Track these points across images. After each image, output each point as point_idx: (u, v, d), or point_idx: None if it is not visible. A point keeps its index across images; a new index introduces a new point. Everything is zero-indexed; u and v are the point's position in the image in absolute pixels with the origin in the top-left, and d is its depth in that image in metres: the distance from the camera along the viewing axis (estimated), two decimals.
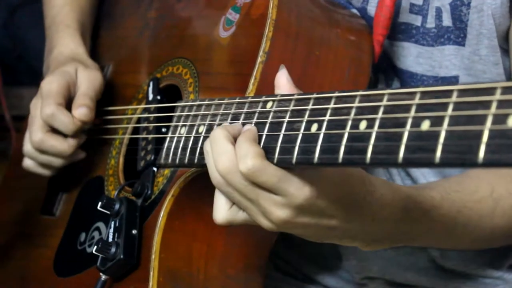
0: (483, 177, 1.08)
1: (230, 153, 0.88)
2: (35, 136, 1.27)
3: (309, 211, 0.88)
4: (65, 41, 1.41)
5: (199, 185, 1.08)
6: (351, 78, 1.11)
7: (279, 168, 0.86)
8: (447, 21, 1.14)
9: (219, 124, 0.99)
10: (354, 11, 1.20)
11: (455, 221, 1.02)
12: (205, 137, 1.00)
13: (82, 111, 1.26)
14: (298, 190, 0.86)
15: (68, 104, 1.28)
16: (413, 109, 0.73)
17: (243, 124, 0.95)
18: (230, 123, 0.98)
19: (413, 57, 1.18)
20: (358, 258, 1.28)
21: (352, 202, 0.89)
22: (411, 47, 1.18)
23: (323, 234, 0.94)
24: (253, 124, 0.93)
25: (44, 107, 1.25)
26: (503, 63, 1.14)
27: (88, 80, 1.31)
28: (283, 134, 0.88)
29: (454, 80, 1.16)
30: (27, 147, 1.30)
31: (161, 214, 1.09)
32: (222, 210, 0.93)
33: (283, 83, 0.93)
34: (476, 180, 1.08)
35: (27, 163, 1.34)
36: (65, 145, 1.27)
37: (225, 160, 0.88)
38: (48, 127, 1.27)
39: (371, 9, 1.19)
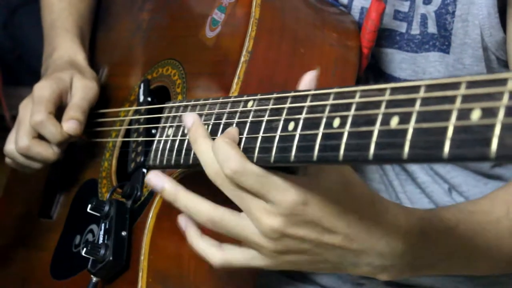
0: (498, 197, 1.04)
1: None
2: (21, 142, 1.27)
3: (301, 221, 0.84)
4: (65, 45, 1.41)
5: (188, 186, 1.07)
6: (338, 76, 1.10)
7: (263, 169, 0.84)
8: (432, 28, 1.12)
9: (204, 125, 0.99)
10: (342, 9, 1.20)
11: (473, 243, 0.98)
12: None
13: (71, 125, 1.26)
14: (283, 193, 0.83)
15: (59, 111, 1.28)
16: (383, 105, 0.73)
17: (226, 124, 0.94)
18: (214, 123, 0.97)
19: (396, 63, 1.17)
20: None
21: (360, 220, 0.85)
22: (394, 53, 1.17)
23: (322, 255, 0.88)
24: (234, 124, 0.93)
25: (34, 114, 1.25)
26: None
27: (83, 90, 1.30)
28: (262, 133, 0.87)
29: None
30: (10, 147, 1.30)
31: (150, 215, 1.08)
32: (212, 251, 0.92)
33: (305, 81, 0.89)
34: (490, 200, 1.04)
35: (7, 161, 1.34)
36: (50, 152, 1.27)
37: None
38: (35, 133, 1.27)
39: (354, 15, 1.18)
